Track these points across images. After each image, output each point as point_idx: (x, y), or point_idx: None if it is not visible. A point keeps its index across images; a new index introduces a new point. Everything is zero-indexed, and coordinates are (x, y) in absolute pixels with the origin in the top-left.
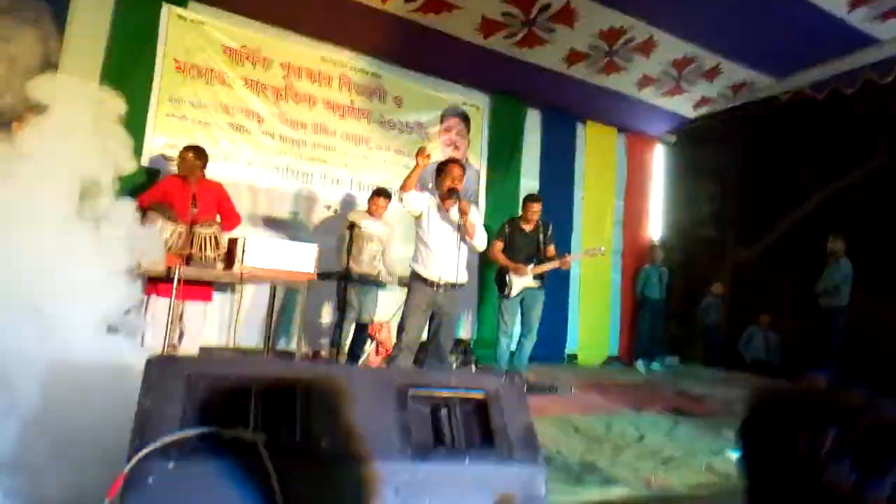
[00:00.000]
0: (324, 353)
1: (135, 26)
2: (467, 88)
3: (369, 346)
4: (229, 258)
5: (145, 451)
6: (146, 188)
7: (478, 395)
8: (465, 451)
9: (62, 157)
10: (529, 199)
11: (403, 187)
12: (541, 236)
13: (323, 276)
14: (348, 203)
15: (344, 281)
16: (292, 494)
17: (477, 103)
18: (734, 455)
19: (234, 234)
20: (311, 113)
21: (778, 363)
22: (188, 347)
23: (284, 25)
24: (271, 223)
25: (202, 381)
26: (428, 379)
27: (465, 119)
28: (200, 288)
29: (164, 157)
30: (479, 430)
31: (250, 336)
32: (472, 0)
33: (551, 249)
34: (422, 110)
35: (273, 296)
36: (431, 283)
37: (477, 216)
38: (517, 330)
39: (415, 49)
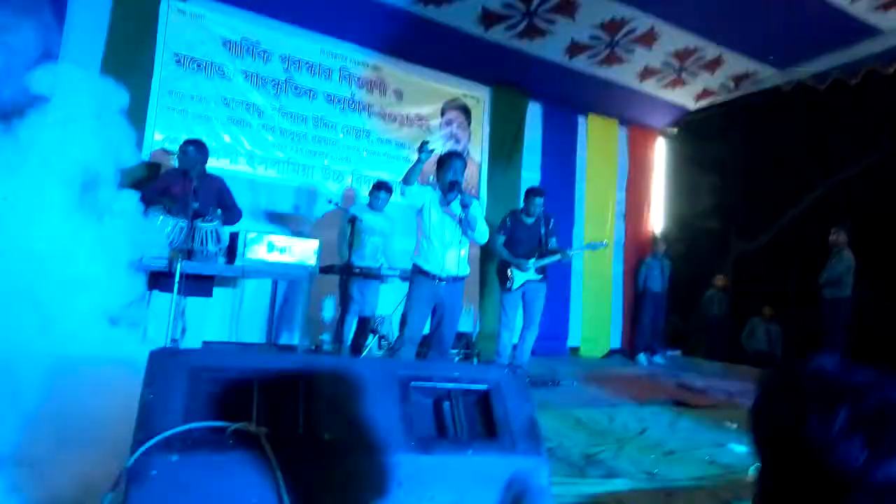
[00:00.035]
0: (326, 347)
1: (134, 20)
2: (468, 81)
3: (371, 340)
4: (231, 253)
5: (149, 444)
6: (147, 183)
7: (480, 387)
8: (468, 442)
9: (65, 148)
10: (532, 192)
11: (405, 181)
12: (542, 229)
13: (325, 270)
14: (350, 197)
15: (346, 275)
16: (296, 487)
17: (478, 96)
18: (737, 448)
19: (235, 228)
20: (311, 106)
21: (780, 355)
22: (190, 343)
23: (284, 18)
24: (273, 217)
25: (205, 374)
26: (430, 371)
27: (466, 112)
28: (201, 283)
29: (165, 152)
30: (481, 422)
31: (252, 331)
32: None
33: (553, 243)
34: (422, 103)
35: (275, 290)
36: (433, 277)
37: (478, 209)
38: (519, 323)
39: (415, 41)
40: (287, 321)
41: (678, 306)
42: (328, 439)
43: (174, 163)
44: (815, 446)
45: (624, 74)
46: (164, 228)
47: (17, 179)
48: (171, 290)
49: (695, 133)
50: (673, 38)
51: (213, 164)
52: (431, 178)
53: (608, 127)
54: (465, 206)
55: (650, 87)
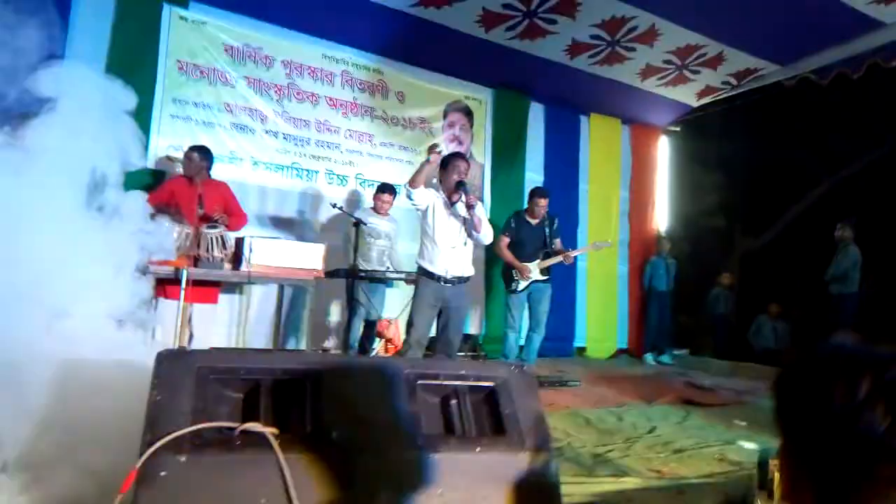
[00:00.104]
0: (333, 351)
1: (136, 28)
2: (470, 83)
3: (378, 344)
4: (236, 258)
5: (157, 445)
6: (152, 190)
7: (487, 384)
8: (476, 440)
9: (72, 150)
10: (536, 193)
11: (412, 183)
12: (547, 230)
13: (330, 274)
14: (354, 200)
15: (352, 279)
16: (304, 486)
17: (480, 97)
18: (747, 445)
19: (240, 233)
20: (314, 111)
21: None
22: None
23: (286, 23)
24: (277, 223)
25: (213, 375)
26: (437, 369)
27: (468, 114)
28: (207, 290)
29: (170, 159)
30: (489, 419)
31: (259, 337)
32: None
33: (557, 243)
34: (424, 106)
35: (281, 296)
36: (438, 278)
37: (482, 210)
38: (525, 324)
39: (416, 44)
40: (293, 326)
41: (684, 305)
42: (336, 438)
43: (179, 170)
44: (839, 417)
45: (625, 73)
46: (170, 233)
47: (24, 180)
48: (178, 298)
49: (698, 131)
50: (674, 36)
51: (218, 170)
52: (435, 180)
53: (611, 126)
54: (470, 208)
55: (652, 85)
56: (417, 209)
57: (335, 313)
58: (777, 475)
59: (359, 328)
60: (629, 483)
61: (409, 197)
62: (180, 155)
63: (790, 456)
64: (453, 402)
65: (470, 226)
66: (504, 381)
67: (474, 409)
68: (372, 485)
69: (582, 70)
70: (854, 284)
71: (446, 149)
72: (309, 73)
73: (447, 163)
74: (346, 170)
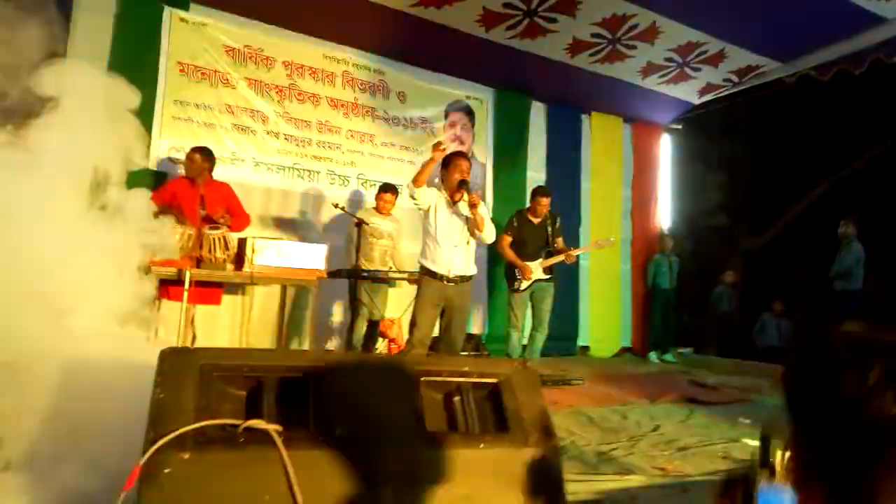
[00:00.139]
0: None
1: (137, 30)
2: (471, 82)
3: (381, 344)
4: (239, 259)
5: (161, 442)
6: (154, 191)
7: (491, 380)
8: (480, 436)
9: (75, 149)
10: (539, 192)
11: (416, 182)
12: (549, 229)
13: (333, 274)
14: (356, 201)
15: (354, 279)
16: (308, 483)
17: (481, 97)
18: (751, 443)
19: (243, 234)
20: (315, 111)
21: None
22: None
23: (286, 25)
24: (280, 223)
25: (216, 373)
26: (440, 366)
27: (470, 113)
28: (210, 291)
29: (172, 161)
30: (492, 416)
31: (262, 338)
32: None
33: (560, 242)
34: (426, 106)
35: (284, 296)
36: (441, 278)
37: (484, 209)
38: (528, 323)
39: (417, 44)
40: (296, 327)
41: (688, 303)
42: (339, 435)
43: (181, 171)
44: (850, 402)
45: (627, 71)
46: (174, 232)
47: (27, 178)
48: (180, 299)
49: (700, 128)
50: (675, 34)
51: (219, 171)
52: (437, 180)
53: (612, 124)
54: (473, 206)
55: (653, 83)
56: (420, 209)
57: (338, 314)
58: (779, 453)
59: (362, 328)
60: (633, 481)
61: (412, 196)
62: (182, 156)
63: (801, 443)
64: (456, 398)
65: (473, 225)
66: (507, 377)
67: (478, 405)
68: (376, 481)
69: (583, 68)
70: (858, 281)
71: (448, 148)
72: (310, 74)
73: (449, 162)
74: (348, 170)
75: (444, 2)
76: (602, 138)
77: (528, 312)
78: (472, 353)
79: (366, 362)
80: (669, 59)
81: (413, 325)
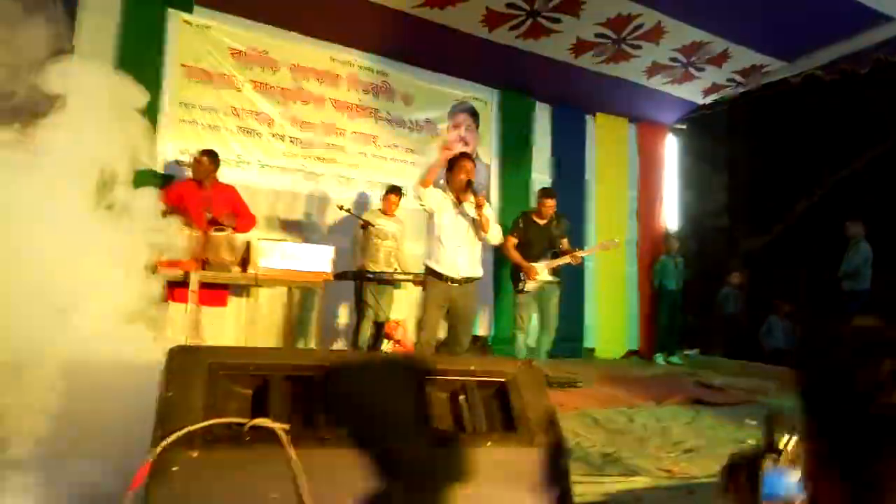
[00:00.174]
0: None
1: (141, 32)
2: (475, 84)
3: (387, 346)
4: (245, 261)
5: (168, 440)
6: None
7: (497, 379)
8: (486, 435)
9: (82, 148)
10: (544, 193)
11: (423, 182)
12: (555, 230)
13: (339, 276)
14: (361, 202)
15: (360, 281)
16: (315, 481)
17: (485, 98)
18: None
19: (248, 236)
20: (319, 114)
21: (793, 361)
22: None
23: (290, 27)
24: (285, 225)
25: (223, 371)
26: (446, 365)
27: (474, 115)
28: (216, 293)
29: (178, 163)
30: (499, 415)
31: (267, 340)
32: None
33: (565, 243)
34: (430, 107)
35: (290, 298)
36: (447, 279)
37: (490, 210)
38: (534, 325)
39: (421, 45)
40: (302, 329)
41: (694, 305)
42: (346, 434)
43: (187, 174)
44: (863, 395)
45: (631, 71)
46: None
47: (34, 177)
48: (187, 301)
49: (705, 128)
50: (679, 33)
51: (225, 174)
52: (441, 181)
53: (617, 125)
54: (478, 207)
55: (658, 83)
56: (426, 210)
57: (343, 315)
58: (784, 437)
59: (367, 330)
60: (639, 482)
61: (418, 197)
62: (187, 159)
63: (815, 436)
64: (462, 397)
65: (479, 226)
66: (513, 376)
67: (484, 404)
68: (382, 480)
69: (587, 69)
70: (866, 281)
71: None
72: (314, 76)
73: (454, 163)
74: (353, 172)
75: (447, 2)
76: (607, 139)
77: (535, 314)
78: (478, 355)
79: (372, 361)
80: (674, 59)
81: (419, 326)
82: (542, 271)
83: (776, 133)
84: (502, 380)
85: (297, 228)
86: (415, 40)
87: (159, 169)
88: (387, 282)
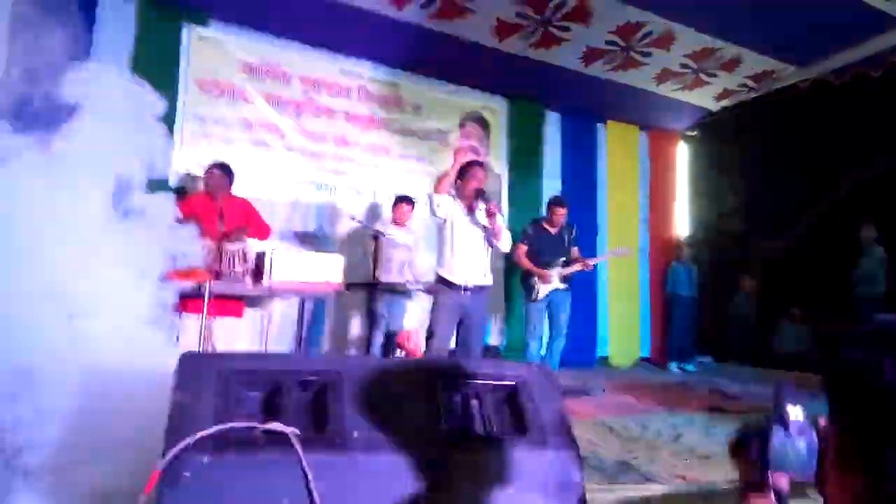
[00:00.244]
0: None
1: (157, 48)
2: (485, 93)
3: (398, 356)
4: (257, 272)
5: (180, 445)
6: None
7: (509, 383)
8: (498, 438)
9: (101, 155)
10: (555, 202)
11: (438, 189)
12: (566, 238)
13: (351, 286)
14: (373, 213)
15: (372, 291)
16: (326, 486)
17: (495, 108)
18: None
19: (261, 247)
20: (331, 125)
21: (814, 357)
22: None
23: (303, 40)
24: (297, 237)
25: (234, 376)
26: (458, 368)
27: (484, 124)
28: (231, 303)
29: (191, 177)
30: (511, 418)
31: (280, 350)
32: (485, 2)
33: (575, 251)
34: (440, 117)
35: (302, 309)
36: (458, 287)
37: (501, 218)
38: (546, 333)
39: (431, 56)
40: (314, 340)
41: (707, 311)
42: (357, 438)
43: (200, 187)
44: (891, 387)
45: (642, 78)
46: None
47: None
48: (200, 312)
49: (716, 135)
50: (689, 40)
51: (238, 186)
52: (452, 190)
53: (628, 132)
54: (491, 215)
55: (669, 89)
56: (438, 218)
57: (355, 326)
58: (791, 409)
59: (379, 340)
60: (654, 489)
61: (431, 204)
62: (201, 172)
63: (842, 431)
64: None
65: (490, 234)
66: (525, 379)
67: (496, 407)
68: (393, 484)
69: (597, 77)
70: (880, 285)
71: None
72: (326, 89)
73: (465, 171)
74: (364, 183)
75: (457, 13)
76: (618, 147)
77: (546, 322)
78: None
79: (383, 365)
80: (685, 66)
81: (430, 335)
82: (554, 278)
83: (788, 138)
84: (514, 383)
85: (310, 240)
86: (426, 51)
87: (173, 182)
88: (398, 292)
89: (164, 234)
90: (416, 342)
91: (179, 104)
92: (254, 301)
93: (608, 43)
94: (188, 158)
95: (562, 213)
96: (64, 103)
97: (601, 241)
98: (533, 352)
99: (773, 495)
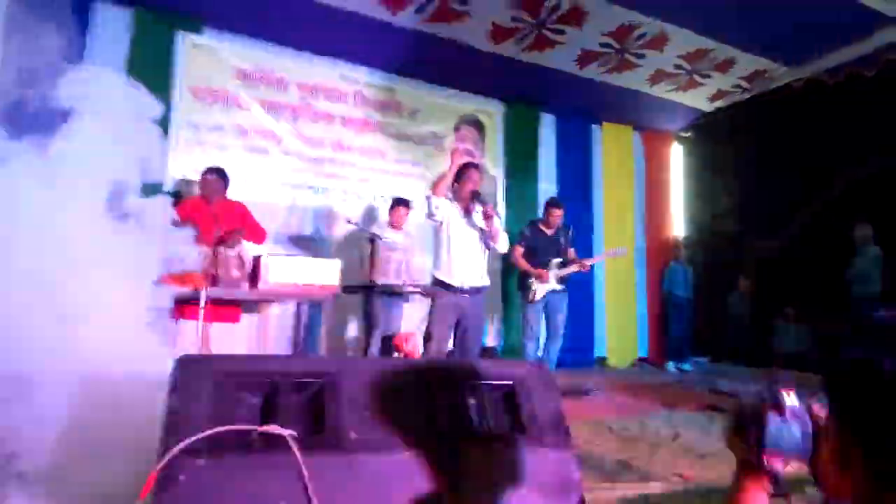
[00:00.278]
0: None
1: (151, 56)
2: (480, 97)
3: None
4: (254, 277)
5: (176, 449)
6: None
7: (506, 382)
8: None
9: (98, 158)
10: (551, 203)
11: (435, 191)
12: (562, 239)
13: (348, 289)
14: (369, 216)
15: (369, 294)
16: (323, 487)
17: (490, 111)
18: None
19: (257, 251)
20: (327, 130)
21: (810, 357)
22: None
23: (298, 46)
24: (294, 241)
25: (230, 379)
26: (454, 367)
27: (480, 127)
28: (228, 309)
29: (186, 182)
30: (508, 417)
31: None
32: (481, 6)
33: (571, 252)
34: (436, 121)
35: (298, 313)
36: (455, 289)
37: (498, 220)
38: (543, 334)
39: (427, 60)
40: (312, 343)
41: (703, 311)
42: (354, 439)
43: (196, 191)
44: (890, 385)
45: (636, 80)
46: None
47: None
48: (196, 317)
49: (711, 135)
50: (683, 41)
51: (233, 191)
52: (448, 192)
53: (623, 134)
54: (488, 218)
55: (663, 90)
56: (435, 220)
57: (352, 329)
58: (787, 394)
59: (376, 343)
60: (653, 488)
61: (429, 206)
62: (196, 178)
63: (842, 429)
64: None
65: (487, 236)
66: (522, 378)
67: (493, 406)
68: (391, 485)
69: (592, 79)
70: (876, 284)
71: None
72: (322, 94)
73: (461, 174)
74: (360, 187)
75: (453, 17)
76: (613, 148)
77: (543, 323)
78: None
79: (381, 366)
80: (678, 67)
81: (428, 337)
82: (551, 279)
83: (782, 138)
84: (512, 382)
85: (306, 244)
86: (421, 55)
87: (168, 188)
88: (395, 294)
89: (160, 238)
90: (413, 345)
91: (174, 111)
92: (251, 306)
93: (602, 45)
94: (182, 165)
95: (558, 214)
96: (59, 106)
97: (597, 242)
98: (530, 353)
99: (767, 476)
